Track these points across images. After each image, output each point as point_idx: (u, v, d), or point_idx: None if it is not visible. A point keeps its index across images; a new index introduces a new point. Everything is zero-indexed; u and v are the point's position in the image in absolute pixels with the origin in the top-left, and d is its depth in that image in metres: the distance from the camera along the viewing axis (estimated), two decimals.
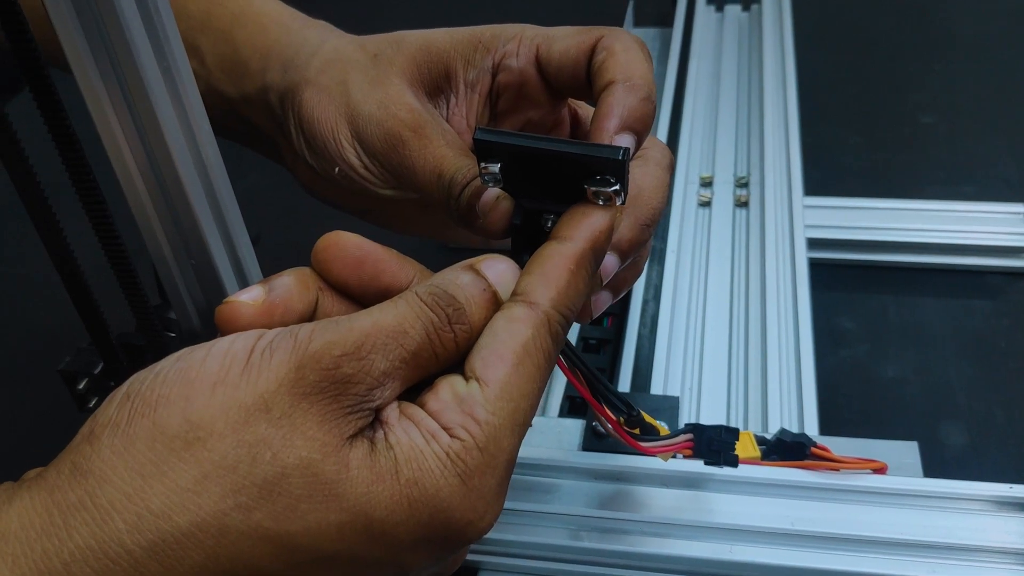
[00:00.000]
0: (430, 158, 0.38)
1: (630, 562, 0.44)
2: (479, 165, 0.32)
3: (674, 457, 0.43)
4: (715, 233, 0.70)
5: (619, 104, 0.35)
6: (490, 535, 0.44)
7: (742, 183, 0.74)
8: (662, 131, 0.77)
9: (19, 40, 0.27)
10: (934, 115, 0.90)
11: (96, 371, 0.39)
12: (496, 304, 0.31)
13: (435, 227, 0.45)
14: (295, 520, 0.26)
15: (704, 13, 0.95)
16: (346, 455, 0.27)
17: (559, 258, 0.31)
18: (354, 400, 0.27)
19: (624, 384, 0.57)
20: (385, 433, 0.28)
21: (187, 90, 0.33)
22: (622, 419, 0.40)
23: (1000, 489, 0.44)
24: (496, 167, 0.32)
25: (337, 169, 0.41)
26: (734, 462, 0.43)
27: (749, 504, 0.44)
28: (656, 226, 0.38)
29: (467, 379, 0.29)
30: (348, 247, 0.33)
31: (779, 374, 0.59)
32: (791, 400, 0.58)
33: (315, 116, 0.40)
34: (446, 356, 0.30)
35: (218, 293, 0.38)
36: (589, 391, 0.37)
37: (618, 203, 0.31)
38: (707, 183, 0.75)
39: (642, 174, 0.37)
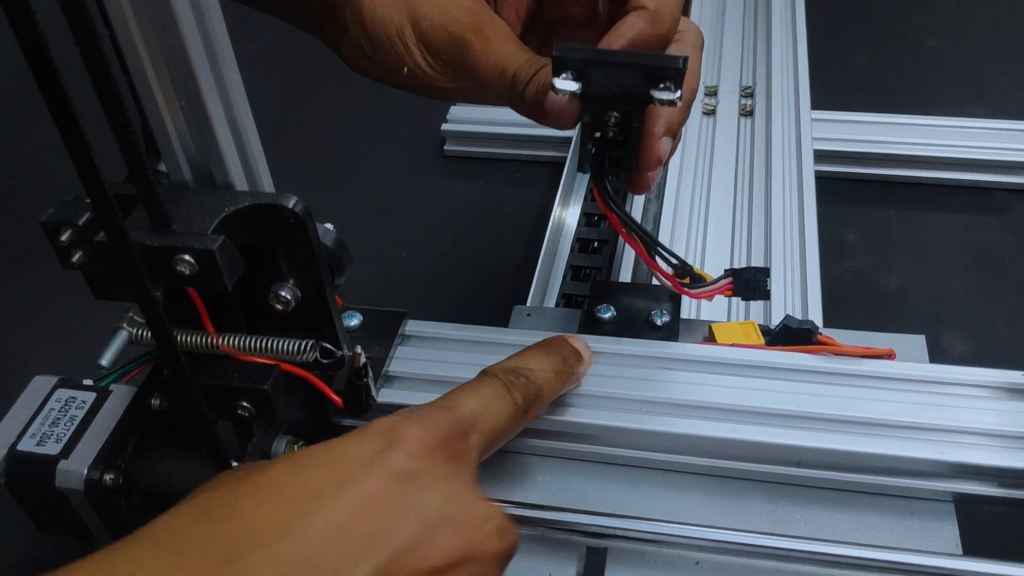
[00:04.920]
0: (493, 56, 0.40)
1: (629, 439, 0.43)
2: (555, 77, 0.36)
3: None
4: (719, 141, 0.69)
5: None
6: None
7: (747, 93, 0.73)
8: None
9: None
10: (940, 38, 0.88)
11: (80, 222, 0.37)
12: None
13: (489, 101, 0.45)
14: None
15: None
16: None
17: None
18: None
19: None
20: None
21: None
22: (675, 272, 0.45)
23: (1011, 376, 0.43)
24: (571, 81, 0.36)
25: (406, 68, 0.43)
26: (767, 296, 0.45)
27: (753, 386, 0.43)
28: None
29: None
30: None
31: (784, 280, 0.58)
32: (795, 306, 0.57)
33: (379, 17, 0.42)
34: None
35: (210, 140, 0.36)
36: (645, 250, 0.44)
37: (678, 103, 0.36)
38: (712, 92, 0.73)
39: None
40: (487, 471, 0.44)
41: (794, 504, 0.42)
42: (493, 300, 0.61)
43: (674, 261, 0.45)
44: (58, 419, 0.42)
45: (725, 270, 0.46)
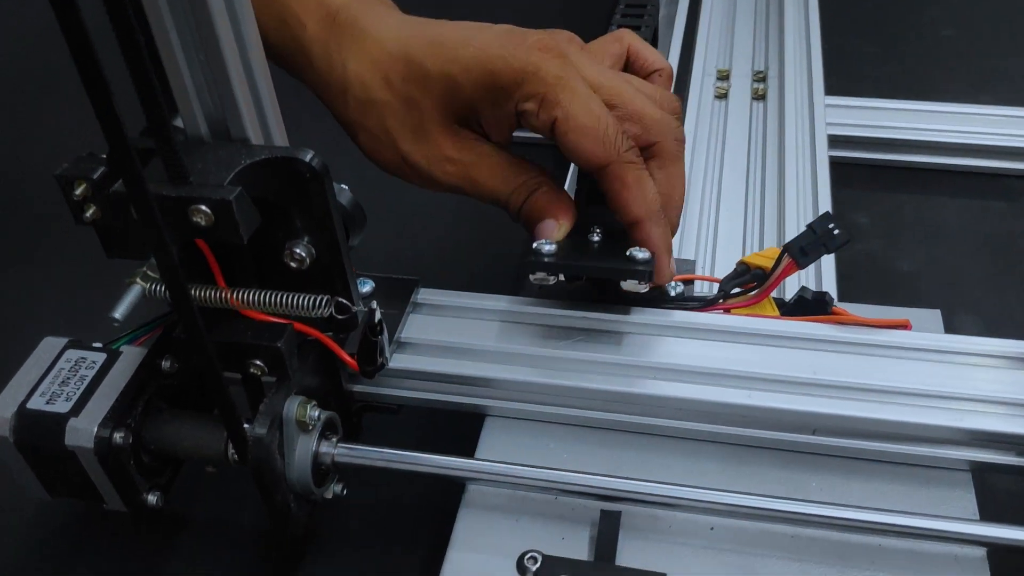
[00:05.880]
0: (484, 194, 0.45)
1: (642, 405, 0.42)
2: (527, 275, 0.42)
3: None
4: (731, 125, 0.68)
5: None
6: (504, 376, 0.43)
7: (760, 77, 0.72)
8: (679, 25, 0.75)
9: None
10: (953, 28, 0.88)
11: (95, 176, 0.37)
12: None
13: None
14: None
15: None
16: None
17: None
18: None
19: None
20: None
21: None
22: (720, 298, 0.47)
23: None
24: (544, 276, 0.42)
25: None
26: (845, 238, 0.44)
27: (768, 354, 0.43)
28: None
29: None
30: None
31: None
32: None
33: (376, 158, 0.46)
34: None
35: (227, 93, 0.36)
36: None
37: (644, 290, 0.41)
38: (724, 76, 0.73)
39: (665, 178, 0.43)
40: (498, 437, 0.44)
41: (809, 472, 0.41)
42: (505, 279, 0.61)
43: (710, 297, 0.47)
44: (68, 379, 0.42)
45: (783, 247, 0.45)
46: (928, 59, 0.84)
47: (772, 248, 0.47)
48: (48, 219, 0.71)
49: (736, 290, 0.46)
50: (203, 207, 0.33)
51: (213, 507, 0.50)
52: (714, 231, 0.60)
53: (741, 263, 0.47)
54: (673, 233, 0.44)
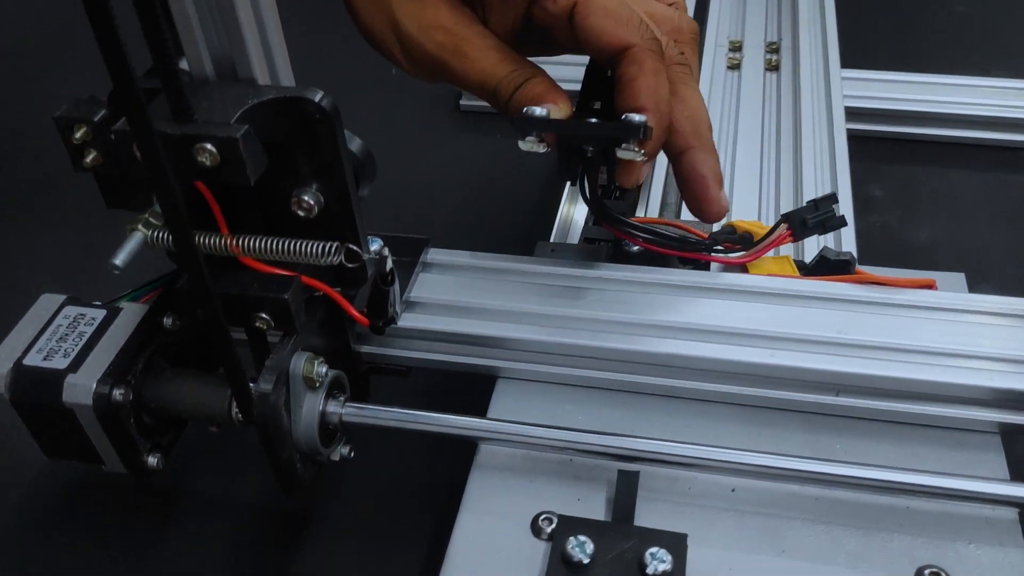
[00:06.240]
0: (472, 73, 0.41)
1: (661, 366, 0.41)
2: (519, 139, 0.38)
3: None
4: (744, 96, 0.67)
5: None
6: (517, 335, 0.42)
7: (773, 48, 0.71)
8: None
9: None
10: (967, 4, 0.86)
11: (96, 119, 0.35)
12: None
13: None
14: None
15: None
16: None
17: None
18: None
19: None
20: None
21: None
22: (705, 249, 0.44)
23: None
24: (535, 141, 0.38)
25: (394, 70, 0.44)
26: (842, 223, 0.44)
27: (791, 314, 0.41)
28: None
29: None
30: None
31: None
32: None
33: (367, 24, 0.43)
34: None
35: (234, 30, 0.34)
36: (659, 247, 0.44)
37: (641, 160, 0.38)
38: (736, 47, 0.71)
39: (692, 94, 0.41)
40: (511, 399, 0.43)
41: (834, 436, 0.40)
42: (512, 250, 0.59)
43: (693, 239, 0.44)
44: (66, 335, 0.40)
45: (782, 215, 0.44)
46: (942, 35, 0.83)
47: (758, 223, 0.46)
48: (46, 179, 0.70)
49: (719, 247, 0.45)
50: (208, 146, 0.32)
51: (213, 483, 0.48)
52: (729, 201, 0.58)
53: (730, 225, 0.46)
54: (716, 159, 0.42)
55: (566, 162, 0.40)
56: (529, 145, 0.38)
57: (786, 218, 0.44)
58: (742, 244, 0.44)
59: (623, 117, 0.37)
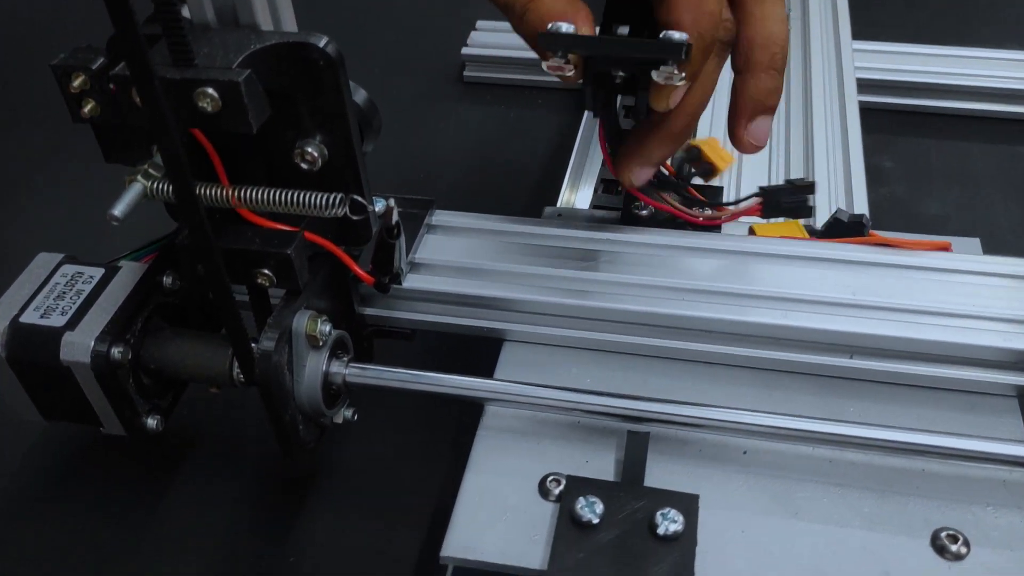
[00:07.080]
0: None
1: (671, 328, 0.40)
2: (543, 60, 0.34)
3: None
4: None
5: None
6: (524, 296, 0.41)
7: None
8: None
9: None
10: None
11: (94, 67, 0.35)
12: None
13: None
14: None
15: None
16: None
17: None
18: None
19: None
20: None
21: None
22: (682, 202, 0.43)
23: None
24: (561, 61, 0.34)
25: None
26: (809, 213, 0.43)
27: (804, 275, 0.41)
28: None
29: None
30: None
31: (828, 199, 0.55)
32: None
33: None
34: None
35: None
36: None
37: (679, 82, 0.34)
38: None
39: (762, 15, 0.37)
40: (518, 361, 0.42)
41: (846, 399, 0.39)
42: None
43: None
44: (64, 293, 0.39)
45: (759, 188, 0.43)
46: (954, 5, 0.82)
47: (714, 139, 0.45)
48: (46, 143, 0.69)
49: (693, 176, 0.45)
50: (210, 90, 0.31)
51: (215, 441, 0.48)
52: (738, 171, 0.58)
53: (693, 147, 0.44)
54: (778, 92, 0.39)
55: (592, 89, 0.36)
56: (555, 64, 0.34)
57: (763, 192, 0.43)
58: (704, 173, 0.44)
59: (661, 35, 0.33)
